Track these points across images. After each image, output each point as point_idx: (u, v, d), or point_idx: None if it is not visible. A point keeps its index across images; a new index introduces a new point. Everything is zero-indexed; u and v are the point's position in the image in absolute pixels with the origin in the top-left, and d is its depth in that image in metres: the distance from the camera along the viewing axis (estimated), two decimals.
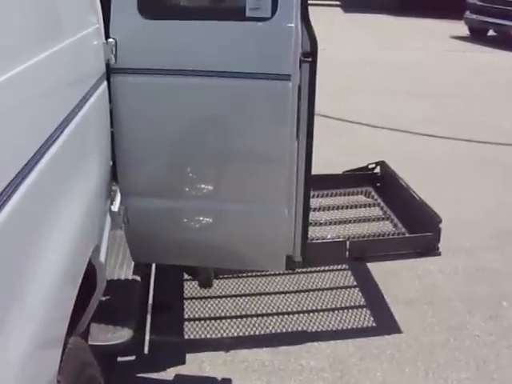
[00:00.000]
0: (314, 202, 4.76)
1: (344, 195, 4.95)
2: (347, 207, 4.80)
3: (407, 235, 4.28)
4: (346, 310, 4.27)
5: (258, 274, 4.45)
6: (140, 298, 3.38)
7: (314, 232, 4.31)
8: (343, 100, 9.42)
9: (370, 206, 4.84)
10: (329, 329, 4.07)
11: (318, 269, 4.46)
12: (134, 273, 3.40)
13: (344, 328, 4.09)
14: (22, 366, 1.64)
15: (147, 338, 3.85)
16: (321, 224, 4.49)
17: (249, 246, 3.25)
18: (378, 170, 5.14)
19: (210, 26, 2.88)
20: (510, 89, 10.83)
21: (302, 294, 4.40)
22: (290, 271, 4.12)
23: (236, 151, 3.06)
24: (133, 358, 3.70)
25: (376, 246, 4.15)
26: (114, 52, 2.85)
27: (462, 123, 8.78)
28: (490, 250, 5.17)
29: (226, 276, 4.39)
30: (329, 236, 4.28)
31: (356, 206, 4.82)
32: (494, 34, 16.45)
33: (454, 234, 5.32)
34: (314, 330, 4.05)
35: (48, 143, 1.96)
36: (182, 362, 3.68)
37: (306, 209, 3.25)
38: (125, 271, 3.42)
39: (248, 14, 2.80)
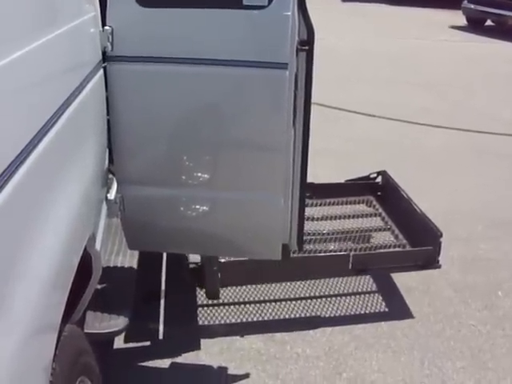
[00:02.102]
0: (317, 211, 4.87)
1: (346, 204, 5.04)
2: (349, 217, 4.87)
3: (409, 249, 4.37)
4: (341, 298, 4.28)
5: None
6: (134, 286, 3.38)
7: (317, 243, 4.45)
8: (340, 89, 9.40)
9: (371, 215, 4.91)
10: (325, 316, 4.08)
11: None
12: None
13: (340, 316, 4.10)
14: (17, 354, 1.64)
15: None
16: (323, 234, 4.58)
17: (245, 235, 3.25)
18: (379, 179, 5.22)
19: (206, 14, 2.86)
20: (507, 79, 10.82)
21: (298, 281, 4.41)
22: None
23: (232, 139, 3.05)
24: (129, 345, 3.71)
25: (378, 258, 4.26)
26: (110, 40, 2.83)
27: (460, 113, 8.78)
28: (486, 240, 5.17)
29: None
30: (332, 247, 4.38)
31: (358, 216, 4.89)
32: (492, 24, 16.43)
33: (450, 223, 5.33)
34: (309, 318, 4.06)
35: (44, 130, 1.96)
36: (189, 349, 3.71)
37: (303, 197, 3.24)
38: (121, 259, 3.43)
39: (245, 1, 2.78)
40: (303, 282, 4.38)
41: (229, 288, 4.23)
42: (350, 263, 4.01)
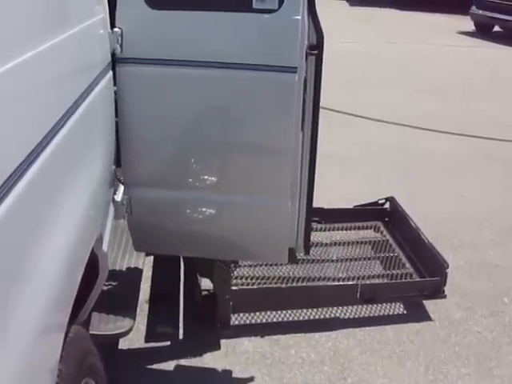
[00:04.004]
0: (326, 237, 4.92)
1: (354, 229, 5.08)
2: (357, 243, 4.89)
3: (416, 279, 4.42)
4: None
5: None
6: (140, 288, 3.38)
7: (326, 271, 4.46)
8: (347, 93, 9.39)
9: (379, 242, 4.91)
10: (330, 321, 4.07)
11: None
12: None
13: (345, 320, 4.09)
14: (24, 354, 1.64)
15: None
16: (332, 261, 4.60)
17: (251, 238, 3.24)
18: (387, 205, 5.27)
19: (216, 17, 2.86)
20: None
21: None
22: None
23: (241, 143, 3.05)
24: (133, 347, 3.71)
25: (386, 288, 4.31)
26: (119, 42, 2.82)
27: (467, 119, 8.76)
28: (493, 246, 5.17)
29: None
30: (340, 275, 4.41)
31: (366, 242, 4.91)
32: (500, 29, 16.40)
33: (457, 229, 5.34)
34: (314, 322, 4.05)
35: (53, 132, 1.95)
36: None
37: (310, 201, 3.23)
38: (127, 261, 3.42)
39: (255, 5, 2.78)
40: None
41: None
42: (358, 293, 4.09)
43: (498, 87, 10.59)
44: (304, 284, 4.25)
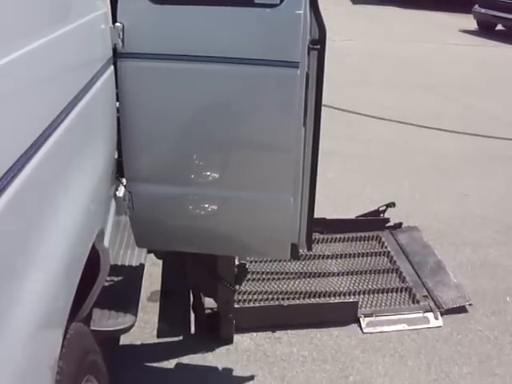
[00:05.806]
0: (328, 249, 4.88)
1: (356, 240, 5.05)
2: (358, 255, 4.85)
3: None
4: None
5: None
6: (141, 283, 3.37)
7: (327, 285, 4.40)
8: (350, 91, 9.36)
9: (379, 254, 4.87)
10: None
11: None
12: None
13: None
14: (23, 352, 1.63)
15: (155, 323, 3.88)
16: (334, 274, 4.56)
17: (254, 234, 3.22)
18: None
19: (218, 12, 2.84)
20: None
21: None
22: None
23: (242, 138, 3.03)
24: (136, 344, 3.70)
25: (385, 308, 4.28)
26: (121, 36, 2.81)
27: (470, 117, 8.74)
28: (496, 245, 5.15)
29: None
30: (342, 289, 4.37)
31: (367, 254, 4.87)
32: (503, 28, 16.38)
33: (460, 227, 5.32)
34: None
35: (53, 126, 1.94)
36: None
37: (312, 197, 3.21)
38: (129, 257, 3.41)
39: (257, 0, 2.77)
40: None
41: None
42: (359, 310, 4.11)
43: (501, 86, 10.56)
44: (306, 301, 4.18)
